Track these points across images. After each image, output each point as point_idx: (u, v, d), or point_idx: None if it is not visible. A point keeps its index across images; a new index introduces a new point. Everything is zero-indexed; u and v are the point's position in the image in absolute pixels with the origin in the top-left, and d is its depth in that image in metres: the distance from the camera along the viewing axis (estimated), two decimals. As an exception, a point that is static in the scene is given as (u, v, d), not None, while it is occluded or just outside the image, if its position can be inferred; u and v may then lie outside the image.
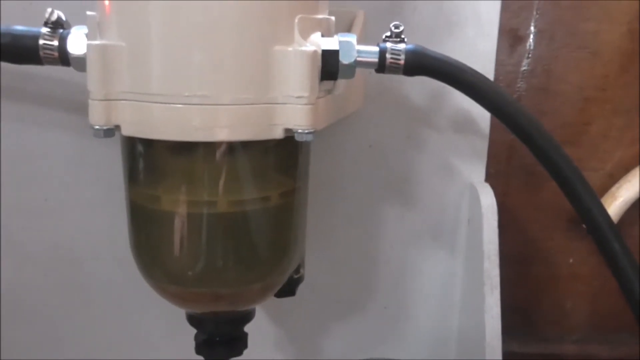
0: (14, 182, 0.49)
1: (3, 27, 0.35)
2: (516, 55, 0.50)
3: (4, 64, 0.36)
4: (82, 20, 0.32)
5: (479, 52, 0.48)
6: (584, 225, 0.54)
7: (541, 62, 0.50)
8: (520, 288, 0.56)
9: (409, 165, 0.51)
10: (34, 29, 0.34)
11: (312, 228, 0.42)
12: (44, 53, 0.34)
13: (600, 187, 0.52)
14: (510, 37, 0.50)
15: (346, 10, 0.42)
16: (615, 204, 0.51)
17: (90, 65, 0.31)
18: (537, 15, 0.49)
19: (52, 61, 0.35)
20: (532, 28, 0.50)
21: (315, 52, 0.31)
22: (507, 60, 0.50)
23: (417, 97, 0.49)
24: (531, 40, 0.50)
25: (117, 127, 0.32)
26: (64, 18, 0.34)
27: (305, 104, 0.31)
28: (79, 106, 0.46)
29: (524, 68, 0.50)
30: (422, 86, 0.48)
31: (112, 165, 0.46)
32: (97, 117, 0.31)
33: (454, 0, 0.47)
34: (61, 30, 0.34)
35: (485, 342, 0.45)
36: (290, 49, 0.31)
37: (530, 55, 0.50)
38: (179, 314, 0.39)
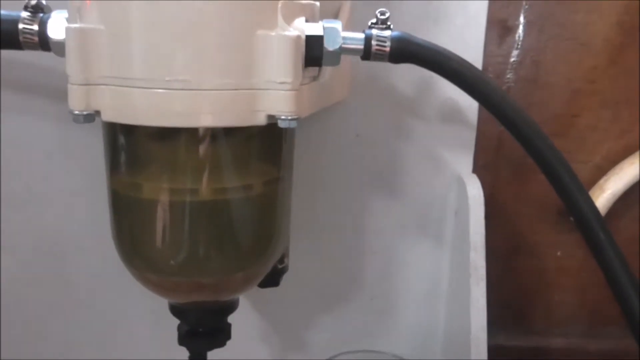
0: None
1: (-19, 11, 0.34)
2: (505, 46, 0.50)
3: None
4: (64, 5, 0.32)
5: (466, 42, 0.48)
6: (571, 218, 0.53)
7: (530, 54, 0.50)
8: (507, 281, 0.55)
9: (396, 156, 0.50)
10: (13, 13, 0.34)
11: (297, 218, 0.42)
12: (24, 38, 0.34)
13: (588, 179, 0.52)
14: (499, 27, 0.49)
15: (333, 0, 0.42)
16: (603, 196, 0.50)
17: (69, 49, 0.30)
18: (527, 6, 0.49)
19: (32, 46, 0.34)
20: (521, 19, 0.49)
21: (298, 37, 0.31)
22: (496, 51, 0.50)
23: (405, 86, 0.48)
24: (520, 31, 0.49)
25: (97, 113, 0.31)
26: (44, 2, 0.34)
27: (289, 90, 0.31)
28: (62, 94, 0.45)
29: (513, 59, 0.50)
30: (410, 76, 0.48)
31: (96, 154, 0.46)
32: (77, 102, 0.31)
33: (442, -13, 0.47)
34: (41, 15, 0.33)
35: (471, 335, 0.44)
36: (273, 33, 0.30)
37: (519, 46, 0.50)
38: (163, 305, 0.39)
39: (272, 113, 0.31)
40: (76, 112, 0.31)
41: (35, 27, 0.33)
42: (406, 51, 0.35)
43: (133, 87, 0.30)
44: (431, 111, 0.49)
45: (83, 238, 0.51)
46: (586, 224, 0.37)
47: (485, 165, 0.52)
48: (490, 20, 0.48)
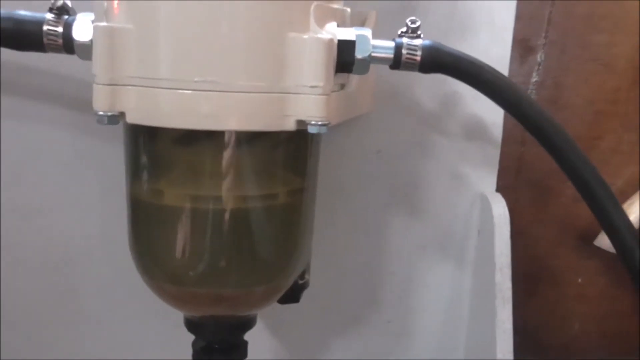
0: (9, 180, 0.47)
1: (5, 11, 0.34)
2: (527, 66, 0.49)
3: (4, 56, 0.35)
4: (88, 9, 0.32)
5: (492, 58, 0.46)
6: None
7: (552, 74, 0.50)
8: (526, 306, 0.54)
9: (418, 173, 0.49)
10: (37, 15, 0.33)
11: (316, 235, 0.41)
12: (48, 39, 0.33)
13: (611, 202, 0.51)
14: (521, 47, 0.49)
15: (358, 11, 0.42)
16: (628, 220, 0.49)
17: (97, 48, 0.30)
18: (549, 26, 0.49)
19: (55, 48, 0.33)
20: (543, 39, 0.49)
21: (331, 40, 0.30)
22: (517, 70, 0.49)
23: (428, 102, 0.48)
24: (542, 51, 0.49)
25: (122, 114, 0.30)
26: (69, 4, 0.33)
27: (320, 94, 0.30)
28: (77, 103, 0.45)
29: (534, 79, 0.50)
30: (434, 91, 0.47)
31: (110, 164, 0.45)
32: (101, 102, 0.30)
33: (467, 1, 0.46)
34: (66, 17, 0.33)
35: (497, 358, 0.43)
36: (305, 36, 0.30)
37: (540, 67, 0.49)
38: (176, 319, 0.37)
39: (302, 118, 0.30)
40: (100, 112, 0.30)
41: (60, 29, 0.32)
42: (437, 61, 0.34)
43: (160, 87, 0.29)
44: (455, 128, 0.48)
45: (94, 248, 0.49)
46: (621, 239, 0.36)
47: (505, 187, 0.51)
48: (513, 40, 0.48)
